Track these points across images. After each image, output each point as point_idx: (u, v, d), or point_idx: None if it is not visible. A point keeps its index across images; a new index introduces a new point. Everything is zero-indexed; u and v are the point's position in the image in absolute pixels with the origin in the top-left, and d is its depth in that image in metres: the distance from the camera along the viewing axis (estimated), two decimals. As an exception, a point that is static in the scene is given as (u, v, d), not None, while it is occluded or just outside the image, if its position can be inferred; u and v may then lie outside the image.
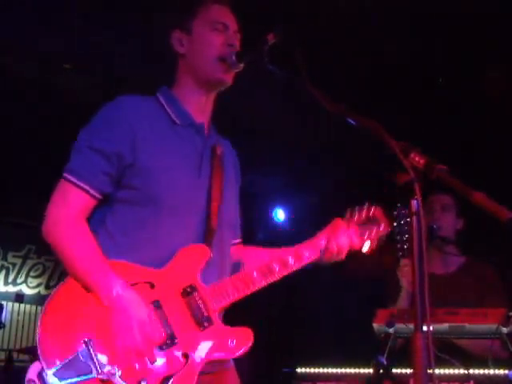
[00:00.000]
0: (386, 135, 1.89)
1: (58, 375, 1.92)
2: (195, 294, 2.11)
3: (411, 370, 1.82)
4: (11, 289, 7.96)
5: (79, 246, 2.08)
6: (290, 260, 2.29)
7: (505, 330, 3.02)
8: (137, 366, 1.96)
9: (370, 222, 2.44)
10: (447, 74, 5.03)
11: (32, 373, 1.94)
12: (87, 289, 2.03)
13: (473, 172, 2.90)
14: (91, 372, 1.93)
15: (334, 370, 3.23)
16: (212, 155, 2.30)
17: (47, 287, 8.15)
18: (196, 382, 2.02)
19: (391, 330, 3.14)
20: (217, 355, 2.08)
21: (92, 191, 2.11)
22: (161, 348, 2.02)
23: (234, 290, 2.16)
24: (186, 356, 2.03)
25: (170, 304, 2.08)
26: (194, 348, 2.05)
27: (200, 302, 2.11)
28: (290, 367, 3.35)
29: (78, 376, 1.92)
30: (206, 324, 2.09)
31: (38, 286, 8.15)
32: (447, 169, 1.87)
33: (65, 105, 5.46)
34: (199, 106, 2.31)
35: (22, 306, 7.92)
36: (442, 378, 2.91)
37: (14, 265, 8.01)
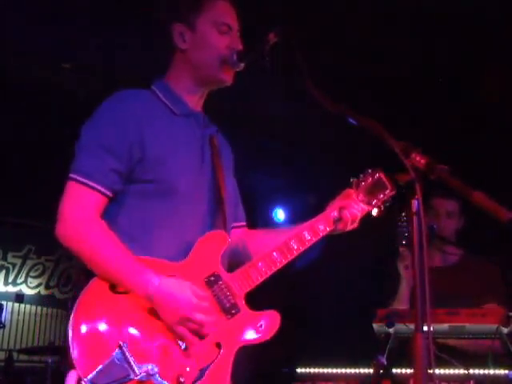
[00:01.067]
0: (386, 135, 1.89)
1: (96, 381, 1.87)
2: (220, 282, 2.12)
3: (411, 370, 1.82)
4: (11, 289, 7.96)
5: (106, 247, 2.02)
6: (307, 235, 2.30)
7: (505, 330, 3.02)
8: (175, 361, 1.96)
9: (375, 187, 2.45)
10: (447, 74, 5.03)
11: (70, 381, 1.90)
12: (124, 288, 1.99)
13: (473, 172, 2.90)
14: (129, 375, 1.90)
15: (334, 370, 3.23)
16: (210, 145, 2.32)
17: (47, 287, 8.15)
18: (231, 370, 2.05)
19: (391, 330, 3.14)
20: (248, 340, 2.11)
21: (105, 191, 2.07)
22: (195, 340, 2.01)
23: (256, 274, 2.17)
24: (218, 345, 2.05)
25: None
26: (225, 336, 2.06)
27: (226, 289, 2.12)
28: (290, 367, 3.35)
29: (116, 380, 1.88)
30: (233, 311, 2.11)
31: (37, 286, 8.15)
32: (448, 169, 1.87)
33: (65, 105, 5.46)
34: (195, 98, 2.32)
35: (22, 306, 7.92)
36: (442, 378, 2.91)
37: (13, 265, 8.01)
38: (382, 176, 2.44)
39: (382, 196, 2.44)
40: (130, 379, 1.89)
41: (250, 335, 2.11)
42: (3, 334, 7.36)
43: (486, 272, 3.73)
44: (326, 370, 3.26)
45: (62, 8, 4.51)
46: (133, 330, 1.95)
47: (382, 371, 2.94)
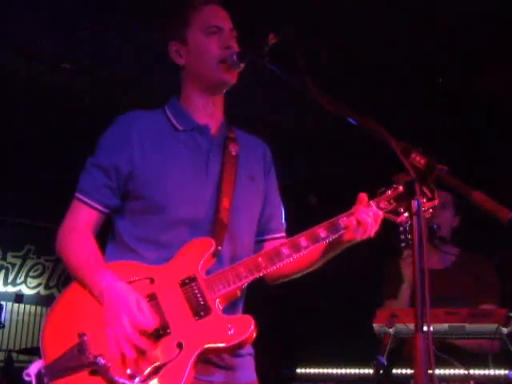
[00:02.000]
0: (386, 135, 1.89)
1: (54, 368, 1.99)
2: (193, 284, 2.11)
3: (411, 371, 1.82)
4: (11, 289, 7.96)
5: (79, 251, 2.19)
6: (303, 242, 2.16)
7: (505, 330, 3.02)
8: (127, 354, 1.98)
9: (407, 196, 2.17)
10: (447, 74, 5.03)
11: (32, 368, 2.01)
12: (85, 287, 2.12)
13: (473, 172, 2.90)
14: (83, 364, 1.98)
15: (334, 370, 3.24)
16: (223, 153, 2.31)
17: (47, 287, 8.14)
18: (190, 372, 1.99)
19: (391, 330, 3.14)
20: (214, 343, 2.04)
21: (95, 205, 2.23)
22: (152, 337, 2.02)
23: (234, 278, 2.11)
24: (179, 345, 2.02)
25: (167, 295, 2.09)
26: (189, 337, 2.03)
27: (197, 291, 2.09)
28: (290, 367, 3.35)
29: (71, 368, 1.98)
30: (202, 313, 2.07)
31: (37, 286, 8.14)
32: (447, 169, 1.87)
33: (65, 105, 5.47)
34: (204, 109, 2.34)
35: (22, 306, 7.91)
36: (442, 378, 2.92)
37: (13, 265, 8.00)
38: (400, 190, 2.21)
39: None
40: (83, 369, 1.98)
41: (217, 338, 2.04)
42: (3, 334, 7.35)
43: (482, 270, 3.75)
44: (325, 370, 3.26)
45: (61, 8, 4.51)
46: (95, 322, 2.05)
47: (381, 371, 2.94)
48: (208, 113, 2.34)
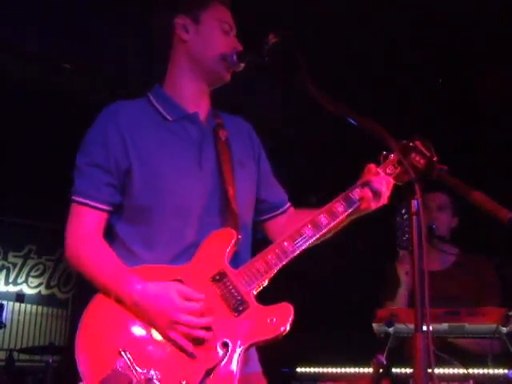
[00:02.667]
0: (386, 135, 1.89)
1: None
2: (225, 279, 2.05)
3: (411, 370, 1.83)
4: (12, 289, 7.96)
5: (98, 262, 2.09)
6: (323, 219, 2.15)
7: (504, 329, 3.02)
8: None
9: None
10: (447, 75, 5.03)
11: None
12: (116, 300, 2.02)
13: (473, 172, 2.90)
14: (132, 382, 1.90)
15: (334, 370, 3.24)
16: (215, 141, 2.28)
17: (48, 287, 8.15)
18: (241, 370, 1.95)
19: (391, 330, 3.14)
20: (259, 337, 2.00)
21: (101, 206, 2.15)
22: (197, 342, 1.97)
23: (265, 267, 2.07)
24: (225, 345, 1.97)
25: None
26: (233, 335, 1.98)
27: (231, 286, 2.04)
28: (290, 367, 3.35)
29: None
30: (240, 308, 2.02)
31: (38, 285, 8.14)
32: (447, 169, 1.88)
33: (65, 105, 5.47)
34: (193, 97, 2.30)
35: (23, 305, 7.91)
36: (442, 377, 2.92)
37: (14, 265, 8.00)
38: (419, 144, 2.18)
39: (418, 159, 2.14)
40: None
41: (261, 331, 1.99)
42: (4, 334, 7.35)
43: (482, 270, 3.75)
44: (326, 370, 3.26)
45: (62, 8, 4.51)
46: (133, 337, 1.96)
47: (381, 371, 2.95)
48: (196, 101, 2.30)
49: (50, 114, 5.53)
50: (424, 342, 1.76)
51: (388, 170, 2.21)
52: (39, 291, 8.13)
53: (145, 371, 1.90)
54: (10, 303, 7.72)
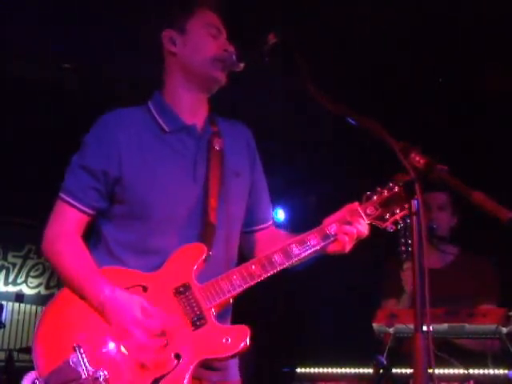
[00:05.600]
0: (386, 135, 1.89)
1: (49, 381, 1.95)
2: (188, 292, 2.07)
3: (411, 370, 1.83)
4: (11, 289, 7.97)
5: (70, 258, 2.15)
6: (295, 249, 2.16)
7: (504, 329, 3.03)
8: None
9: (392, 201, 2.24)
10: (447, 74, 5.03)
11: (26, 380, 1.97)
12: (81, 297, 2.08)
13: (473, 172, 2.90)
14: (79, 378, 1.95)
15: (334, 370, 3.24)
16: (208, 151, 2.27)
17: (47, 287, 8.16)
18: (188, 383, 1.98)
19: (391, 330, 3.14)
20: (211, 354, 2.03)
21: (83, 208, 2.19)
22: (160, 342, 2.01)
23: (229, 287, 2.09)
24: (177, 356, 2.00)
25: (161, 304, 2.06)
26: (186, 348, 2.01)
27: (192, 300, 2.06)
28: (290, 367, 3.35)
29: (67, 381, 1.95)
30: (198, 323, 2.04)
31: (38, 286, 8.15)
32: (447, 169, 1.88)
33: (65, 105, 5.47)
34: (191, 107, 2.30)
35: (22, 305, 7.92)
36: (442, 377, 2.92)
37: (14, 265, 8.01)
38: (402, 191, 2.18)
39: (398, 211, 2.22)
40: (80, 383, 1.94)
41: (214, 349, 2.02)
42: (3, 334, 7.36)
43: (481, 270, 3.76)
44: (326, 370, 3.26)
45: (62, 8, 4.51)
46: (90, 335, 2.01)
47: (381, 371, 2.95)
48: (194, 111, 2.30)
49: (50, 113, 5.54)
50: (424, 341, 1.76)
51: (368, 211, 2.23)
52: (39, 291, 8.13)
53: (94, 370, 1.95)
54: (10, 303, 7.73)
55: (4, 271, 7.94)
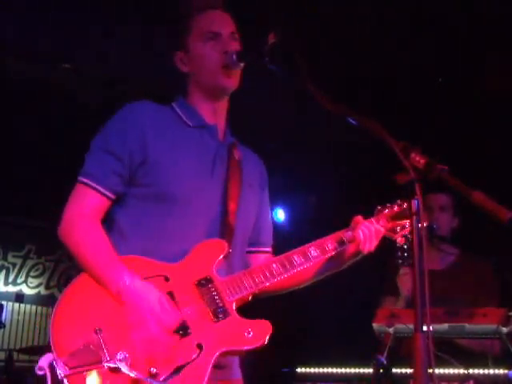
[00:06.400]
0: (386, 135, 1.89)
1: (69, 363, 1.93)
2: (210, 285, 2.10)
3: (411, 370, 1.83)
4: (11, 289, 7.97)
5: (91, 243, 2.12)
6: (313, 251, 2.25)
7: (504, 329, 3.03)
8: (155, 355, 1.97)
9: (402, 215, 2.38)
10: (447, 74, 5.03)
11: (43, 361, 1.96)
12: (99, 283, 2.07)
13: (473, 172, 2.90)
14: (100, 361, 1.94)
15: (334, 370, 3.24)
16: (228, 157, 2.32)
17: (47, 287, 8.16)
18: (209, 374, 1.99)
19: (391, 330, 3.14)
20: (234, 346, 2.05)
21: (105, 192, 2.17)
22: (178, 335, 2.02)
23: (251, 282, 2.14)
24: (199, 346, 2.01)
25: (184, 296, 2.08)
26: (208, 339, 2.02)
27: (215, 293, 2.09)
28: (290, 367, 3.35)
29: (87, 364, 1.93)
30: (220, 315, 2.07)
31: (38, 285, 8.15)
32: (447, 169, 1.87)
33: (65, 105, 5.47)
34: (212, 112, 2.35)
35: (22, 305, 7.93)
36: (442, 377, 2.92)
37: (14, 265, 8.01)
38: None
39: (408, 225, 2.34)
40: (100, 365, 1.93)
41: (236, 341, 2.05)
42: (3, 334, 7.36)
43: (482, 271, 3.76)
44: (326, 370, 3.26)
45: (62, 8, 4.52)
46: (111, 318, 2.01)
47: (381, 371, 2.95)
48: (212, 115, 2.35)
49: (50, 113, 5.54)
50: (424, 341, 1.76)
51: (381, 223, 2.36)
52: (39, 291, 8.14)
53: (116, 353, 1.94)
54: (10, 303, 7.73)
55: (4, 271, 7.94)
